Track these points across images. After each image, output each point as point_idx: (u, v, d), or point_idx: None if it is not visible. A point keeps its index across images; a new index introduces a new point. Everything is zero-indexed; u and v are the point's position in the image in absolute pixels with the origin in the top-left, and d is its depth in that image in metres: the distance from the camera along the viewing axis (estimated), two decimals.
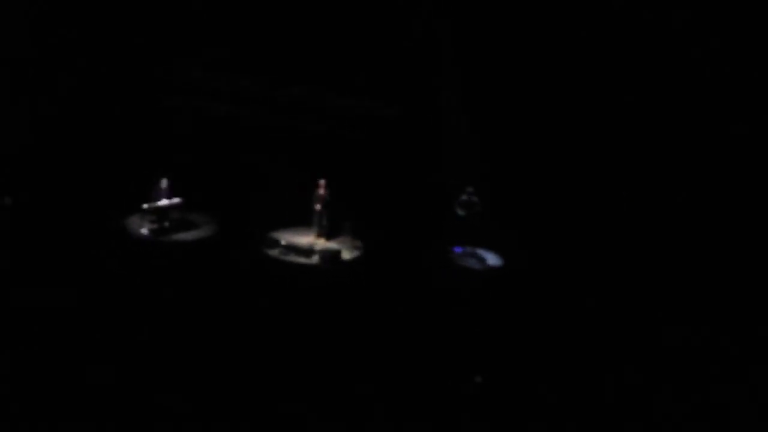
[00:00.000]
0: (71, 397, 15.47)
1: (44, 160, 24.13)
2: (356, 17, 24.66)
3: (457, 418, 15.99)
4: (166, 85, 25.95)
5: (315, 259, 21.49)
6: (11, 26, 24.74)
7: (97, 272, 19.67)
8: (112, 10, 25.25)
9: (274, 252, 21.70)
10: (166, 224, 22.03)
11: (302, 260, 21.52)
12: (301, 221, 22.66)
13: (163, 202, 21.93)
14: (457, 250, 22.31)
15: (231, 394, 15.97)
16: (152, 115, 25.54)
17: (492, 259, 22.20)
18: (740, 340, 18.68)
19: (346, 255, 21.77)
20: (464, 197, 22.26)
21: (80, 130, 24.85)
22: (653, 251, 21.96)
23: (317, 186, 22.29)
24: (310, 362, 17.03)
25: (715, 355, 18.13)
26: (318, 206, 22.31)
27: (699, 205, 22.58)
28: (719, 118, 22.55)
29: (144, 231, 21.87)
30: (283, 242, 21.83)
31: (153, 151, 24.34)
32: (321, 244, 22.14)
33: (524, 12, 23.73)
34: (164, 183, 22.01)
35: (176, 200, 22.13)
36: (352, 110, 25.20)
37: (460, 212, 22.26)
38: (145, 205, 21.77)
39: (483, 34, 24.04)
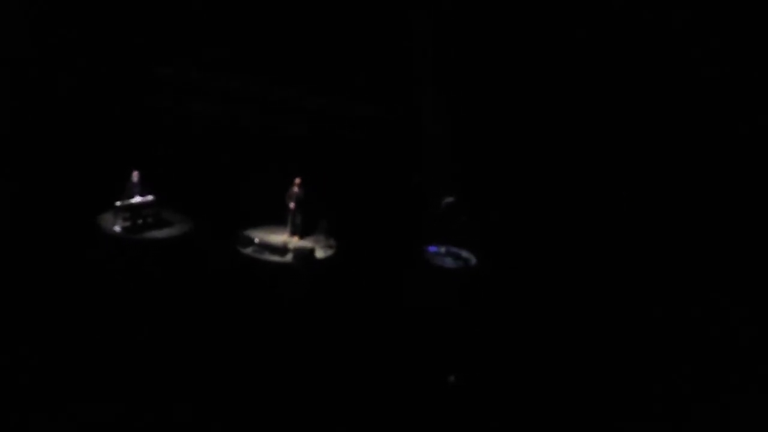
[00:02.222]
0: (47, 397, 15.45)
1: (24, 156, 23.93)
2: (336, 20, 24.64)
3: (433, 417, 16.04)
4: (151, 84, 25.82)
5: (289, 257, 21.42)
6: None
7: (69, 270, 19.51)
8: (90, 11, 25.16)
9: (247, 250, 21.62)
10: (140, 222, 21.84)
11: (276, 259, 21.45)
12: (277, 219, 22.58)
13: (137, 199, 21.77)
14: (432, 249, 22.29)
15: (204, 392, 15.95)
16: (136, 113, 25.37)
17: (467, 258, 22.19)
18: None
19: (320, 254, 21.70)
20: (449, 200, 22.22)
21: (63, 128, 24.62)
22: (630, 251, 22.06)
23: (292, 184, 22.18)
24: (284, 361, 17.03)
25: (696, 356, 18.34)
26: (292, 204, 22.22)
27: (690, 205, 22.79)
28: (718, 119, 22.73)
29: (117, 228, 21.71)
30: (256, 240, 21.74)
31: (132, 148, 24.13)
32: (295, 242, 22.06)
33: (513, 13, 23.80)
34: (136, 177, 21.84)
35: (149, 197, 21.97)
36: (330, 110, 25.20)
37: (443, 214, 22.23)
38: (118, 203, 21.61)
39: (468, 34, 24.10)
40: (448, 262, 21.96)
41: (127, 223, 21.70)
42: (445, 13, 24.19)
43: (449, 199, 22.17)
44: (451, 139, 24.34)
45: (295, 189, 22.14)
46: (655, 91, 23.26)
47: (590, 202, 23.32)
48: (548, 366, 17.76)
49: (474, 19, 24.04)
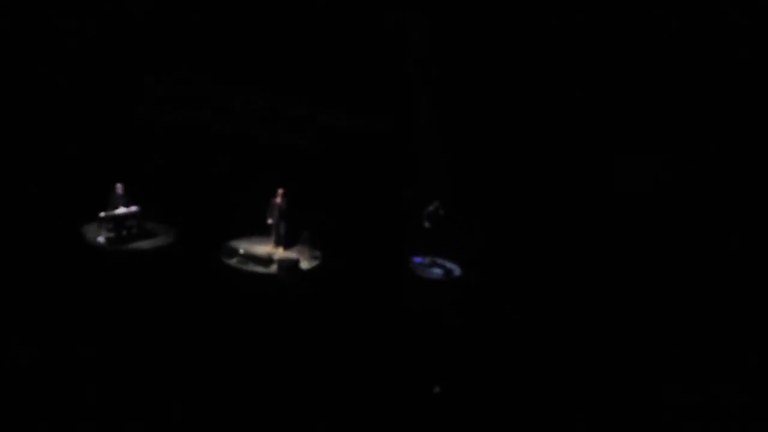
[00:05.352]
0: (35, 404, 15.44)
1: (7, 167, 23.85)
2: (325, 31, 24.69)
3: (418, 427, 16.01)
4: (135, 96, 25.80)
5: (273, 268, 21.39)
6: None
7: (53, 281, 19.44)
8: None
9: (232, 261, 21.59)
10: (124, 233, 21.84)
11: (260, 269, 21.44)
12: (261, 230, 22.54)
13: (121, 210, 21.77)
14: (417, 260, 22.28)
15: (189, 401, 15.91)
16: (120, 124, 25.33)
17: (452, 269, 22.18)
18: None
19: (305, 265, 21.69)
20: (431, 208, 22.20)
21: (47, 140, 24.53)
22: (614, 266, 22.08)
23: (275, 195, 22.18)
24: (269, 372, 16.98)
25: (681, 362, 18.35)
26: (273, 215, 22.23)
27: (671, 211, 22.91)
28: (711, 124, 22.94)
29: (101, 240, 21.68)
30: (241, 251, 21.72)
31: (116, 160, 24.09)
32: (279, 253, 22.04)
33: (499, 31, 23.93)
34: (120, 189, 21.84)
35: (134, 208, 21.97)
36: (316, 120, 25.27)
37: (426, 224, 22.19)
38: (102, 214, 21.61)
39: (457, 46, 24.21)
40: (433, 273, 21.94)
41: (111, 234, 21.75)
42: (441, 27, 24.29)
43: (432, 207, 22.16)
44: (441, 151, 24.39)
45: (278, 200, 22.12)
46: (630, 103, 23.54)
47: (580, 210, 23.46)
48: (534, 375, 17.75)
49: (468, 35, 24.17)
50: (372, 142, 25.11)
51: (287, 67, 25.11)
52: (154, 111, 25.78)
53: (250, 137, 25.44)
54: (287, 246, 22.30)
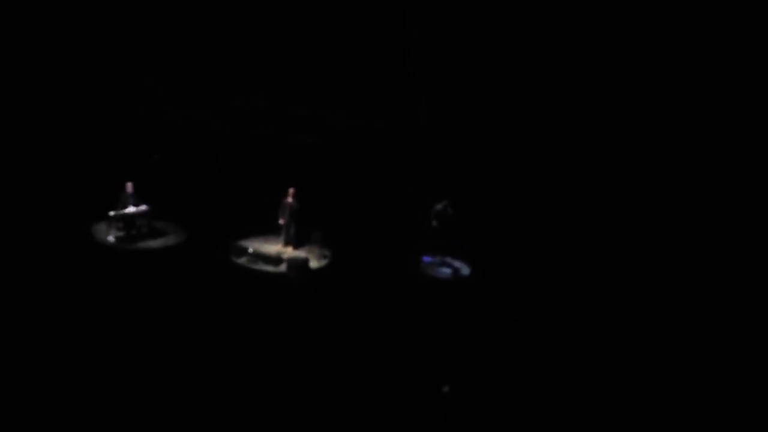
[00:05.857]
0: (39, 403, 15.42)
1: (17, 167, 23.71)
2: (329, 31, 24.69)
3: (427, 427, 16.03)
4: (143, 95, 25.72)
5: (282, 267, 21.39)
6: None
7: (63, 280, 19.35)
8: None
9: (241, 260, 21.57)
10: (133, 232, 21.80)
11: (270, 268, 21.43)
12: (270, 230, 22.57)
13: (130, 209, 21.73)
14: (426, 259, 22.31)
15: (196, 402, 15.89)
16: (126, 123, 25.24)
17: (461, 269, 22.23)
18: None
19: (314, 264, 21.69)
20: (439, 207, 22.25)
21: (57, 139, 24.37)
22: (615, 267, 22.20)
23: (286, 195, 22.18)
24: (277, 371, 16.98)
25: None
26: (284, 215, 22.23)
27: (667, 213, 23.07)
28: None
29: (110, 239, 21.62)
30: (250, 250, 21.71)
31: (123, 159, 23.96)
32: (289, 252, 22.04)
33: (500, 32, 24.02)
34: (130, 188, 21.80)
35: (143, 207, 21.93)
36: (324, 120, 25.27)
37: (435, 223, 22.24)
38: (112, 213, 21.57)
39: (457, 46, 24.29)
40: (442, 273, 21.98)
41: (121, 233, 21.70)
42: (441, 27, 24.37)
43: (440, 206, 22.21)
44: (441, 151, 24.44)
45: (289, 199, 22.14)
46: (629, 104, 23.72)
47: (580, 210, 23.56)
48: (540, 375, 17.85)
49: (468, 35, 24.26)
50: (372, 142, 25.11)
51: (287, 67, 25.02)
52: (154, 111, 25.60)
53: (250, 137, 25.33)
54: (297, 245, 22.29)
